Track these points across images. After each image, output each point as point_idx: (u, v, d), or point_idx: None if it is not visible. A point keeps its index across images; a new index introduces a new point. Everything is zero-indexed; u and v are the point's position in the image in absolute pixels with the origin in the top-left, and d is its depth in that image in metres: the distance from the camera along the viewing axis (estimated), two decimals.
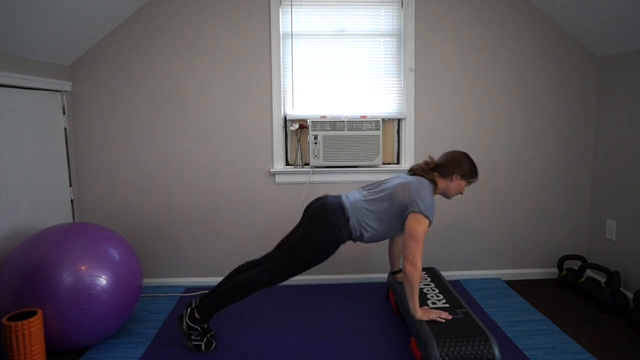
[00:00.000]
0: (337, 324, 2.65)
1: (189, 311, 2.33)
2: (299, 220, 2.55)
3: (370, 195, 2.34)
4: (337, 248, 2.31)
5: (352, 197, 2.36)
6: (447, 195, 2.39)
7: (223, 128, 3.16)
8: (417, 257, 2.16)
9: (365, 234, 2.32)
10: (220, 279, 3.24)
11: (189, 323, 2.32)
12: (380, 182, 2.42)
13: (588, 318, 2.73)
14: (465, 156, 2.36)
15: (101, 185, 3.16)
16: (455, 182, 2.34)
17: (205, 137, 3.17)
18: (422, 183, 2.28)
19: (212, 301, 2.31)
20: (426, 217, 2.19)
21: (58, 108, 2.92)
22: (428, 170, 2.37)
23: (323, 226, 2.25)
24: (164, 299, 3.05)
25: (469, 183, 2.38)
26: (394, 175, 2.46)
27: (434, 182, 2.33)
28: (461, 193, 2.40)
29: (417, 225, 2.18)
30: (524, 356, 2.29)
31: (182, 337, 2.52)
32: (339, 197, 2.37)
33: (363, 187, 2.46)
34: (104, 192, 3.17)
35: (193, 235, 3.24)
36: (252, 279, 2.28)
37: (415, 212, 2.20)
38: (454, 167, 2.33)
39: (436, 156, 3.20)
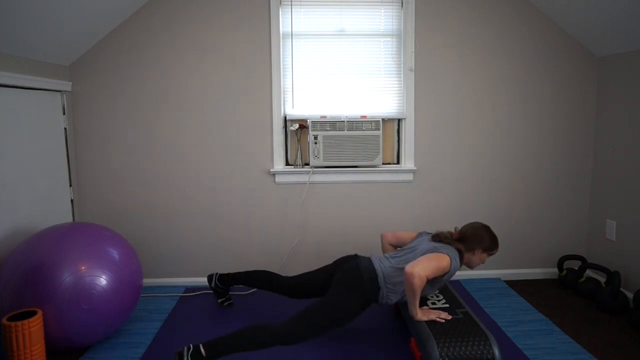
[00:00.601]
0: None
1: (192, 348, 2.06)
2: (327, 268, 2.53)
3: (399, 264, 2.34)
4: (362, 312, 2.35)
5: (383, 265, 2.36)
6: (469, 266, 2.45)
7: (223, 128, 3.16)
8: (423, 273, 2.12)
9: (390, 301, 2.36)
10: None
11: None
12: (408, 250, 2.42)
13: (588, 318, 2.73)
14: (487, 231, 2.41)
15: (101, 185, 3.16)
16: (478, 255, 2.40)
17: (205, 136, 3.17)
18: (451, 248, 2.32)
19: (224, 340, 2.10)
20: (450, 260, 2.21)
21: (58, 108, 2.92)
22: (454, 240, 2.39)
23: (356, 294, 2.26)
24: (164, 299, 3.05)
25: (490, 255, 2.43)
26: (420, 239, 2.47)
27: (460, 252, 2.37)
28: (483, 263, 2.46)
29: (437, 256, 2.20)
30: (524, 356, 2.29)
31: (173, 345, 2.41)
32: (370, 262, 2.38)
33: (392, 254, 2.45)
34: (104, 192, 3.17)
35: (193, 235, 3.24)
36: (272, 334, 2.12)
37: (442, 252, 2.24)
38: (476, 242, 2.38)
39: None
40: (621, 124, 3.00)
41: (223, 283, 2.83)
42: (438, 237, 2.40)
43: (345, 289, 2.27)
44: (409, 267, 2.13)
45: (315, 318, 2.19)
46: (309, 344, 2.43)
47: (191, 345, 2.07)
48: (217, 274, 2.86)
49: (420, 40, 3.15)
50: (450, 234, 2.42)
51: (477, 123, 3.24)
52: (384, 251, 2.69)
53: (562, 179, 3.32)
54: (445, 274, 2.23)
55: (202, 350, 2.06)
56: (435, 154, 3.25)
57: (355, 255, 2.48)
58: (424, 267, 2.13)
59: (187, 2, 3.06)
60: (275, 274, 2.71)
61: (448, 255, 2.23)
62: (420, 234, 2.53)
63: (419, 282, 2.10)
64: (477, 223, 2.45)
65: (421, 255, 2.29)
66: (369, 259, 2.40)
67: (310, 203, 3.25)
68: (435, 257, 2.20)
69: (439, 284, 2.31)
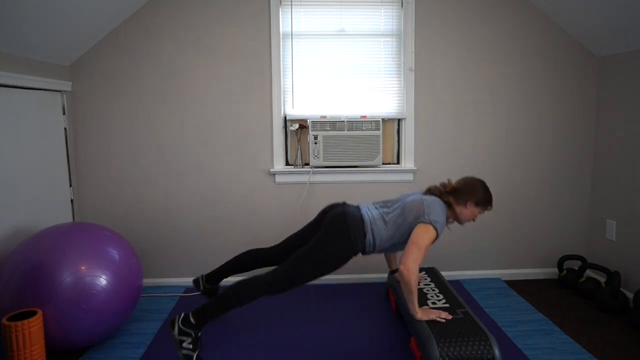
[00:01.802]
0: (337, 324, 2.65)
1: (182, 315, 2.19)
2: (314, 220, 2.51)
3: (385, 212, 2.34)
4: (349, 259, 2.30)
5: (370, 211, 2.35)
6: (459, 221, 2.40)
7: (223, 128, 3.17)
8: (416, 264, 2.13)
9: (377, 248, 2.33)
10: None
11: (182, 327, 2.17)
12: (396, 199, 2.42)
13: (588, 318, 2.73)
14: (481, 184, 2.37)
15: (101, 185, 3.16)
16: (469, 209, 2.35)
17: (205, 136, 3.17)
18: (437, 201, 2.29)
19: (211, 303, 2.20)
20: (435, 228, 2.19)
21: (58, 108, 2.92)
22: (445, 192, 2.37)
23: (342, 237, 2.24)
24: (164, 299, 3.05)
25: (483, 211, 2.38)
26: (411, 192, 2.46)
27: (449, 204, 2.34)
28: (473, 220, 2.40)
29: (423, 232, 2.17)
30: (524, 356, 2.29)
31: (173, 345, 2.41)
32: (359, 209, 2.36)
33: (378, 202, 2.45)
34: (104, 192, 3.17)
35: (193, 235, 3.24)
36: (258, 283, 2.19)
37: (424, 222, 2.20)
38: (469, 194, 2.33)
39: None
40: (621, 124, 3.00)
41: (211, 282, 2.72)
42: (429, 191, 2.38)
43: (331, 235, 2.25)
44: (401, 265, 2.14)
45: (301, 264, 2.20)
46: (309, 344, 2.43)
47: (182, 313, 2.20)
48: (202, 275, 2.74)
49: (420, 40, 3.15)
50: (443, 185, 2.39)
51: (477, 123, 3.24)
52: (388, 259, 2.73)
53: (562, 179, 3.32)
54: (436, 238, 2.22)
55: (192, 318, 2.18)
56: (435, 154, 3.25)
57: (343, 203, 2.44)
58: (414, 258, 2.12)
59: (187, 2, 3.06)
60: (260, 249, 2.61)
61: (431, 224, 2.18)
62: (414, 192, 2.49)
63: (414, 278, 2.12)
64: (473, 177, 2.41)
65: (411, 204, 2.26)
66: (357, 206, 2.38)
67: (310, 203, 3.25)
68: (420, 234, 2.16)
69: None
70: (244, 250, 3.24)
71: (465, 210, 2.35)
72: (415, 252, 2.14)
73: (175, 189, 3.20)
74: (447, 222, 2.38)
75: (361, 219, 2.30)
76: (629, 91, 2.93)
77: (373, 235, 2.29)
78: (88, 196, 3.17)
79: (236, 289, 2.20)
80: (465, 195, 2.33)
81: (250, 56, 3.12)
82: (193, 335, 2.18)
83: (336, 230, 2.25)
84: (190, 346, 2.16)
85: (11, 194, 2.45)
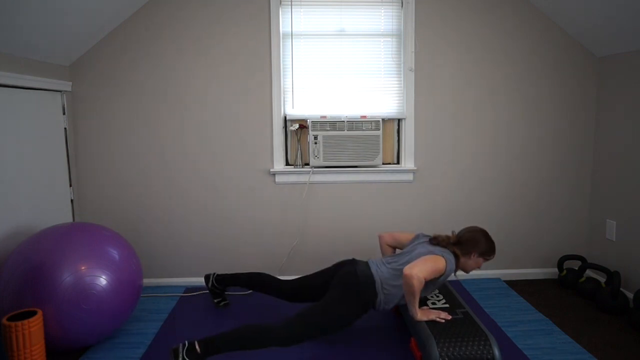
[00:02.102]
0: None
1: (187, 345, 2.07)
2: (326, 271, 2.53)
3: (396, 269, 2.33)
4: (360, 317, 2.34)
5: (381, 270, 2.36)
6: (464, 270, 2.43)
7: (223, 128, 3.17)
8: (421, 273, 2.13)
9: (388, 307, 2.36)
10: None
11: (186, 358, 2.06)
12: (405, 253, 2.41)
13: (588, 318, 2.73)
14: (484, 235, 2.40)
15: (101, 185, 3.16)
16: (474, 260, 2.38)
17: (205, 136, 3.17)
18: (447, 252, 2.31)
19: (221, 338, 2.11)
20: (444, 258, 2.22)
21: (58, 108, 2.92)
22: (450, 244, 2.39)
23: (354, 301, 2.27)
24: (164, 299, 3.05)
25: (486, 260, 2.42)
26: (417, 242, 2.46)
27: (455, 255, 2.36)
28: (478, 268, 2.44)
29: (433, 257, 2.21)
30: (524, 356, 2.29)
31: (173, 345, 2.39)
32: (368, 267, 2.37)
33: (387, 258, 2.44)
34: (104, 192, 3.17)
35: (193, 235, 3.24)
36: (270, 336, 2.13)
37: (437, 254, 2.24)
38: (473, 246, 2.37)
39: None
40: (621, 124, 3.00)
41: (220, 283, 2.83)
42: (435, 241, 2.40)
43: (342, 295, 2.27)
44: (407, 269, 2.13)
45: (313, 322, 2.19)
46: (309, 344, 2.43)
47: (186, 342, 2.08)
48: (214, 274, 2.85)
49: (420, 40, 3.15)
50: (448, 237, 2.42)
51: (477, 123, 3.24)
52: (382, 252, 2.70)
53: (562, 179, 3.32)
54: (441, 275, 2.23)
55: (197, 347, 2.07)
56: (435, 154, 3.25)
57: (353, 260, 2.47)
58: (421, 268, 2.14)
59: (187, 2, 3.06)
60: (273, 277, 2.70)
61: (443, 257, 2.24)
62: (417, 236, 2.52)
63: (417, 284, 2.11)
64: (476, 227, 2.45)
65: (417, 258, 2.29)
66: (366, 264, 2.40)
67: (310, 203, 3.25)
68: (431, 259, 2.21)
69: (433, 285, 2.31)
70: (242, 250, 3.26)
71: (470, 261, 2.39)
72: (420, 264, 2.16)
73: (175, 189, 3.20)
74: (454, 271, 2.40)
75: (372, 280, 2.32)
76: (629, 91, 2.93)
77: (384, 294, 2.31)
78: (88, 196, 3.17)
79: (249, 335, 2.12)
80: (469, 247, 2.37)
81: (250, 56, 3.12)
82: None
83: (347, 291, 2.28)
84: None
85: (11, 194, 2.45)
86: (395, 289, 2.30)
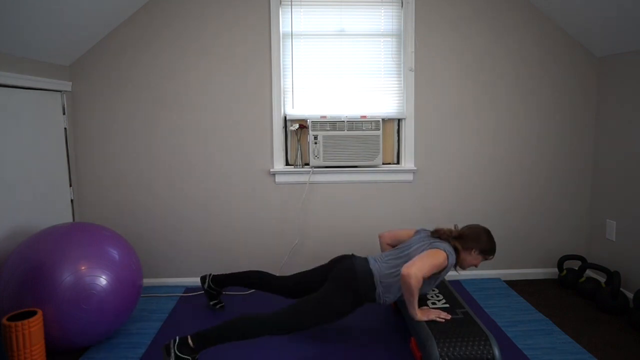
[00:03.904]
0: (336, 324, 2.65)
1: (177, 340, 2.09)
2: (323, 266, 2.55)
3: (394, 264, 2.34)
4: (354, 310, 2.34)
5: (379, 264, 2.36)
6: (462, 266, 2.42)
7: (223, 128, 3.17)
8: (420, 272, 2.12)
9: (388, 300, 2.35)
10: None
11: (179, 354, 2.07)
12: (405, 247, 2.41)
13: (588, 318, 2.73)
14: (486, 232, 2.39)
15: (101, 185, 3.16)
16: (473, 256, 2.37)
17: (205, 137, 3.17)
18: (447, 245, 2.31)
19: (213, 330, 2.13)
20: (445, 252, 2.21)
21: (58, 108, 2.92)
22: (451, 237, 2.38)
23: (349, 293, 2.27)
24: (164, 299, 3.05)
25: (485, 259, 2.41)
26: (418, 236, 2.46)
27: (455, 249, 2.36)
28: (476, 266, 2.43)
29: (433, 253, 2.20)
30: (524, 356, 2.29)
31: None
32: (367, 262, 2.37)
33: (386, 253, 2.45)
34: (104, 192, 3.17)
35: (193, 235, 3.24)
36: (263, 324, 2.16)
37: (437, 247, 2.23)
38: (474, 241, 2.36)
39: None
40: (621, 124, 3.00)
41: (217, 284, 2.80)
42: (437, 233, 2.40)
43: (338, 287, 2.28)
44: (405, 269, 2.13)
45: (306, 312, 2.22)
46: (309, 345, 2.43)
47: (177, 338, 2.11)
48: (210, 274, 2.82)
49: (420, 40, 3.15)
50: (450, 230, 2.41)
51: (477, 123, 3.24)
52: (382, 251, 2.69)
53: (562, 179, 3.32)
54: (442, 270, 2.23)
55: (190, 341, 2.09)
56: (435, 154, 3.25)
57: (352, 255, 2.48)
58: (419, 267, 2.13)
59: (187, 2, 3.06)
60: (271, 274, 2.69)
61: (444, 250, 2.22)
62: (418, 232, 2.51)
63: (415, 283, 2.10)
64: (479, 225, 2.45)
65: (417, 251, 2.29)
66: (365, 259, 2.41)
67: (310, 203, 3.25)
68: (431, 254, 2.19)
69: (435, 281, 2.30)
70: (242, 249, 3.26)
71: (469, 257, 2.38)
72: (419, 262, 2.15)
73: (175, 189, 3.20)
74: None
75: (370, 274, 2.32)
76: (629, 91, 2.93)
77: (383, 287, 2.31)
78: (88, 196, 3.17)
79: (242, 325, 2.14)
80: (470, 242, 2.36)
81: (250, 56, 3.12)
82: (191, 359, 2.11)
83: (344, 285, 2.28)
84: None
85: (11, 194, 2.45)
86: (393, 280, 2.29)
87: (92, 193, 3.17)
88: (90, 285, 2.18)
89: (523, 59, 3.21)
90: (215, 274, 2.97)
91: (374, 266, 2.35)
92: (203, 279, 2.83)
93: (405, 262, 2.30)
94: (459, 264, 2.41)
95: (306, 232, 3.28)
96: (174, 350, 2.07)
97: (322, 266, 2.57)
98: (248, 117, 3.16)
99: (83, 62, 3.07)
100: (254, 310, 2.86)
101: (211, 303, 2.87)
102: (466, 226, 2.46)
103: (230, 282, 2.77)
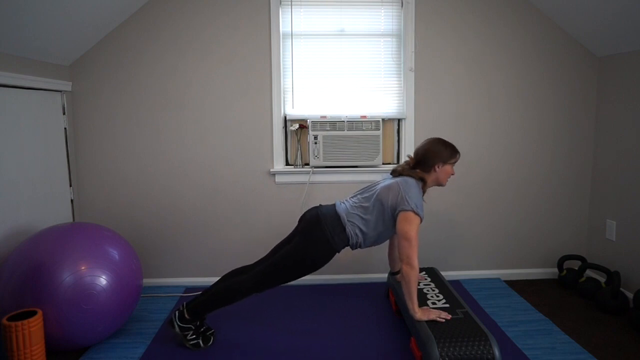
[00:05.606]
0: (337, 324, 2.65)
1: (177, 314, 2.36)
2: (294, 228, 2.54)
3: (361, 202, 2.35)
4: (330, 258, 2.32)
5: (345, 204, 2.37)
6: (438, 184, 2.41)
7: (223, 128, 3.17)
8: (413, 257, 2.17)
9: (364, 240, 2.33)
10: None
11: (180, 324, 2.35)
12: (369, 187, 2.43)
13: (588, 318, 2.73)
14: (438, 142, 2.37)
15: (101, 185, 3.16)
16: (441, 170, 2.36)
17: (205, 137, 3.17)
18: (409, 182, 2.29)
19: (201, 303, 2.33)
20: (417, 214, 2.21)
21: (58, 108, 2.92)
22: (411, 169, 2.38)
23: (318, 238, 2.26)
24: (164, 299, 3.05)
25: (454, 163, 2.40)
26: (381, 178, 2.48)
27: (421, 179, 2.35)
28: (452, 174, 2.42)
29: (408, 224, 2.20)
30: (524, 356, 2.29)
31: (173, 345, 2.43)
32: (333, 205, 2.38)
33: (354, 193, 2.47)
34: (104, 192, 3.17)
35: (193, 235, 3.24)
36: (242, 285, 2.30)
37: (405, 210, 2.21)
38: (433, 159, 2.34)
39: None
40: (621, 124, 3.00)
41: (193, 314, 2.35)
42: (396, 173, 2.40)
43: (307, 235, 2.28)
44: (404, 264, 2.18)
45: (283, 267, 2.28)
46: (309, 344, 2.43)
47: (176, 311, 2.36)
48: (175, 312, 2.37)
49: (420, 40, 3.15)
50: (407, 163, 2.41)
51: (477, 123, 3.24)
52: (390, 248, 2.74)
53: (562, 179, 3.32)
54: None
55: (186, 313, 2.34)
56: None
57: (319, 205, 2.45)
58: (409, 252, 2.18)
59: (187, 2, 3.06)
60: (242, 267, 2.53)
61: (412, 210, 2.20)
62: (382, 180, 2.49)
63: (414, 273, 2.18)
64: (427, 140, 2.42)
65: (384, 189, 2.28)
66: (332, 204, 2.40)
67: (311, 203, 3.25)
68: (406, 229, 2.18)
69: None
70: (242, 250, 3.26)
71: (439, 174, 2.37)
72: (406, 245, 2.18)
73: (175, 189, 3.20)
74: (428, 189, 2.40)
75: (336, 215, 2.31)
76: (629, 91, 2.93)
77: (353, 227, 2.30)
78: (88, 196, 3.17)
79: (226, 291, 2.31)
80: (430, 161, 2.34)
81: (250, 56, 3.12)
82: (193, 327, 2.36)
83: (312, 234, 2.28)
84: (194, 336, 2.36)
85: (11, 194, 2.45)
86: (363, 220, 2.29)
87: (92, 193, 3.17)
88: (90, 285, 2.19)
89: (523, 59, 3.21)
90: (188, 301, 2.41)
91: (339, 207, 2.35)
92: (170, 322, 2.37)
93: (372, 196, 2.31)
94: (436, 184, 2.40)
95: None
96: (176, 322, 2.34)
97: (293, 230, 2.55)
98: (248, 117, 3.16)
99: (83, 62, 3.07)
100: (256, 311, 2.85)
101: (201, 340, 2.40)
102: (417, 149, 2.41)
103: (211, 305, 2.33)
